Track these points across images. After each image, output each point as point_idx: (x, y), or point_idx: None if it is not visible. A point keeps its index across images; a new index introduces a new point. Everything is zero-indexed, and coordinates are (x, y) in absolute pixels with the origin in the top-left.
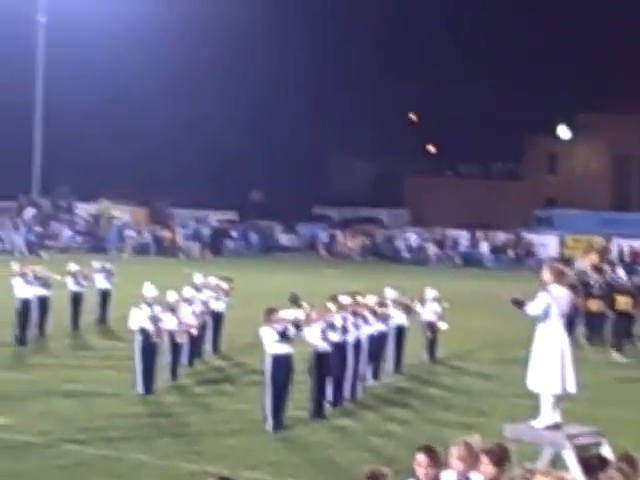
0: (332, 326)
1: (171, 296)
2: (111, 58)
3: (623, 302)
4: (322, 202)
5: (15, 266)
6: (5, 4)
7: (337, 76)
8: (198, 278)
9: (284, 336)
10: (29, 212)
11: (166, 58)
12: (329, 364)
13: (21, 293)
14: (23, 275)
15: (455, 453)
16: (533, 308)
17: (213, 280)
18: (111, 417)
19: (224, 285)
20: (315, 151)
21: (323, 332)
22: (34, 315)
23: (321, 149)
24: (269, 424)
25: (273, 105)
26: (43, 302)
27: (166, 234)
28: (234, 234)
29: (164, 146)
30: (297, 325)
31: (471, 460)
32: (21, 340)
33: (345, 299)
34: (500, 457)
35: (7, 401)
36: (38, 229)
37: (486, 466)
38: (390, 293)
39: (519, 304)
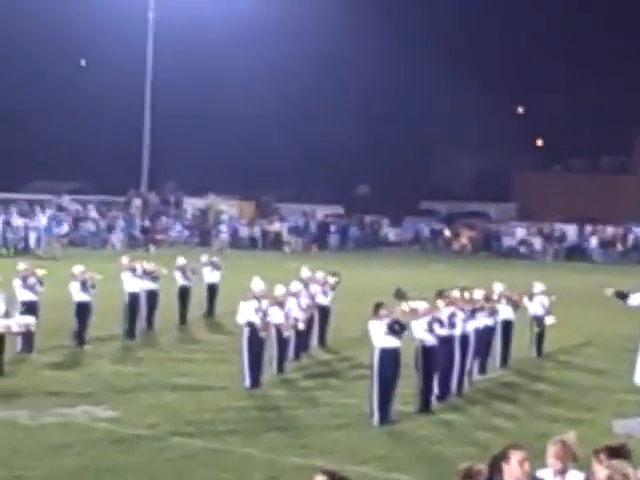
0: (439, 320)
1: (278, 290)
2: (219, 53)
3: None
4: (428, 196)
5: (124, 260)
6: (115, 1)
7: (444, 71)
8: (305, 272)
9: (393, 330)
10: (135, 204)
11: (272, 53)
12: (436, 358)
13: (130, 287)
14: (132, 269)
15: (551, 451)
16: (636, 299)
17: (320, 274)
18: (218, 410)
19: (331, 279)
20: (421, 145)
21: (430, 326)
22: (143, 309)
23: (427, 143)
24: (376, 418)
25: (380, 100)
26: (152, 296)
27: (272, 228)
28: (334, 228)
29: (271, 140)
30: (404, 319)
31: (567, 458)
32: (130, 334)
33: (452, 293)
34: (618, 456)
35: (116, 394)
36: (146, 223)
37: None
38: (498, 287)
39: (622, 296)
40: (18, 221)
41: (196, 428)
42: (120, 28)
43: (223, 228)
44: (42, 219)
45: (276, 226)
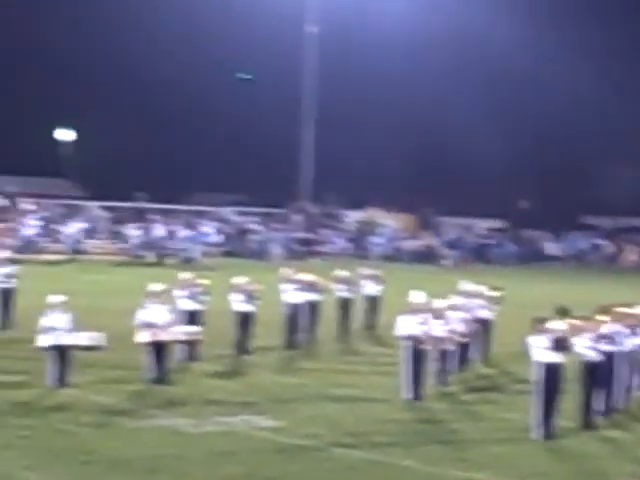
0: (602, 336)
1: (440, 303)
2: (378, 64)
3: None
4: (589, 211)
5: (285, 272)
6: (274, 15)
7: (605, 83)
8: (466, 285)
9: (558, 347)
10: (295, 218)
11: (431, 64)
12: (599, 374)
13: (291, 298)
14: (292, 281)
15: None
16: None
17: (481, 288)
18: (379, 422)
19: (492, 293)
20: (581, 158)
21: (593, 342)
22: (304, 320)
23: (588, 156)
24: (538, 433)
25: (541, 112)
26: (313, 307)
27: (430, 241)
28: (491, 242)
29: (433, 154)
30: (568, 336)
31: None
32: (291, 344)
33: (616, 309)
34: None
35: (277, 404)
36: (307, 235)
37: None
38: None
39: None
40: (182, 232)
41: (357, 439)
42: (279, 41)
43: (379, 240)
44: (205, 229)
45: (432, 240)
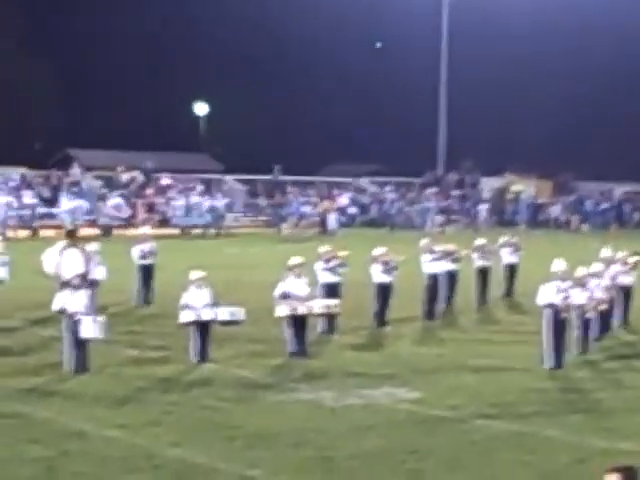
0: None
1: (580, 271)
2: (516, 28)
3: None
4: None
5: (424, 242)
6: None
7: None
8: (606, 252)
9: None
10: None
11: (568, 29)
12: None
13: (429, 268)
14: (431, 251)
15: None
16: None
17: (621, 254)
18: (520, 392)
19: (632, 258)
20: None
21: None
22: (442, 290)
23: None
24: None
25: None
26: (452, 277)
27: (568, 207)
28: (633, 207)
29: (569, 118)
30: None
31: None
32: (430, 315)
33: None
34: None
35: (418, 375)
36: (444, 204)
37: None
38: None
39: None
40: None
41: (498, 410)
42: (415, 8)
43: (517, 207)
44: (342, 200)
45: (570, 206)
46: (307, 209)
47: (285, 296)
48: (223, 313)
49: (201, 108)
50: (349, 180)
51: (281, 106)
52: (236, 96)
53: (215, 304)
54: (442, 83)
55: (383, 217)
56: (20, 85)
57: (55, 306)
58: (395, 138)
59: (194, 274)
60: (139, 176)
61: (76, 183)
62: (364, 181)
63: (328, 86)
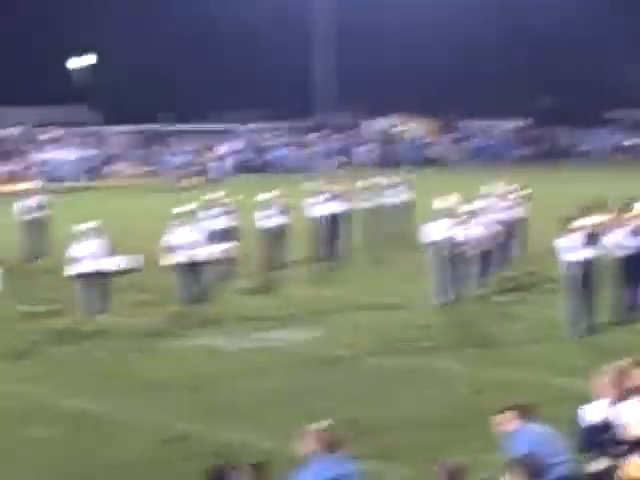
0: (635, 231)
1: (470, 207)
2: None
3: None
4: (613, 105)
5: (311, 185)
6: None
7: None
8: (488, 189)
9: (587, 242)
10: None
11: None
12: (631, 269)
13: (319, 210)
14: (322, 193)
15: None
16: None
17: (509, 188)
18: (415, 328)
19: (521, 192)
20: (605, 53)
21: (625, 238)
22: (333, 231)
23: (612, 51)
24: (573, 330)
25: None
26: (343, 218)
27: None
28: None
29: (450, 56)
30: (597, 232)
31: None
32: (322, 256)
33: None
34: None
35: (312, 316)
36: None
37: None
38: None
39: None
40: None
41: (393, 346)
42: None
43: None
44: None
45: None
46: (187, 158)
47: (175, 245)
48: (120, 262)
49: (83, 59)
50: (234, 127)
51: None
52: (122, 44)
53: (108, 254)
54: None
55: (267, 163)
56: None
57: None
58: (278, 81)
59: (84, 225)
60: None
61: None
62: (249, 127)
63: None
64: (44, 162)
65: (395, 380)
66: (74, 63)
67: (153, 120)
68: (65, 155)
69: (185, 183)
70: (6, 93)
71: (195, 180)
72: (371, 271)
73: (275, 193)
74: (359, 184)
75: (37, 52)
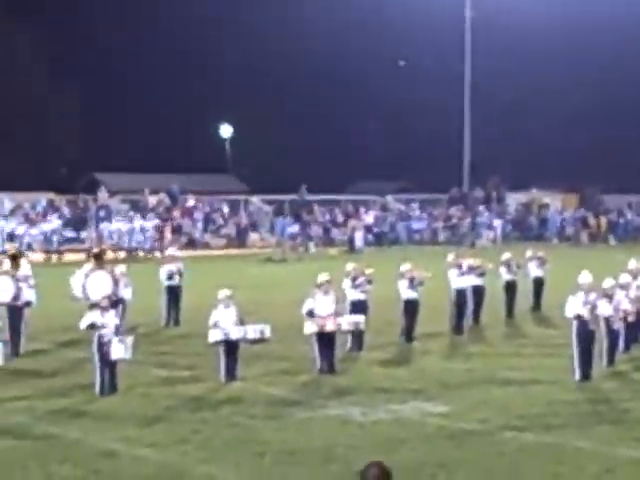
0: None
1: (607, 282)
2: (538, 48)
3: None
4: None
5: (450, 257)
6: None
7: None
8: (633, 264)
9: None
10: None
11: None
12: None
13: (456, 283)
14: (458, 266)
15: None
16: None
17: None
18: (549, 404)
19: None
20: None
21: None
22: (469, 304)
23: None
24: None
25: None
26: (478, 291)
27: (595, 221)
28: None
29: (591, 131)
30: None
31: None
32: (457, 329)
33: None
34: None
35: (446, 389)
36: (468, 220)
37: None
38: None
39: None
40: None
41: (527, 422)
42: (437, 27)
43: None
44: (367, 219)
45: (600, 219)
46: (327, 228)
47: (312, 313)
48: (252, 331)
49: (226, 130)
50: (374, 198)
51: (305, 125)
52: (260, 117)
53: (242, 322)
54: (466, 99)
55: (409, 234)
56: (47, 109)
57: (83, 325)
58: (420, 155)
59: (222, 293)
60: (165, 198)
61: (103, 207)
62: (389, 199)
63: (353, 104)
64: (184, 228)
65: (526, 455)
66: (220, 132)
67: (294, 190)
68: (202, 222)
69: (330, 252)
70: (152, 160)
71: (335, 250)
72: (506, 345)
73: (410, 265)
74: (500, 257)
75: (182, 121)
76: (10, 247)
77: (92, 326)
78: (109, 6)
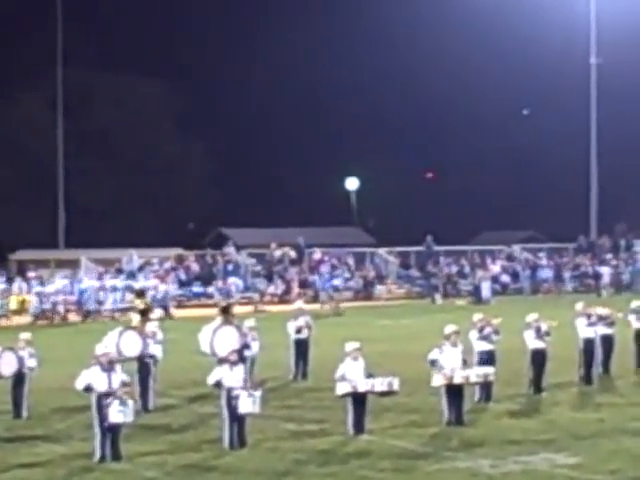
0: None
1: None
2: None
3: None
4: None
5: (578, 306)
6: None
7: None
8: None
9: None
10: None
11: None
12: None
13: (584, 333)
14: (586, 315)
15: None
16: None
17: None
18: None
19: None
20: None
21: None
22: (598, 354)
23: None
24: None
25: None
26: (607, 340)
27: None
28: None
29: None
30: None
31: None
32: (587, 379)
33: None
34: None
35: (576, 440)
36: (597, 268)
37: None
38: None
39: None
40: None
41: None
42: (562, 74)
43: None
44: (494, 268)
45: None
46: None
47: (434, 363)
48: (380, 384)
49: (352, 183)
50: (501, 248)
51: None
52: (385, 169)
53: (370, 375)
54: (592, 146)
55: (536, 284)
56: (174, 167)
57: (211, 380)
58: (546, 204)
59: (349, 345)
60: (291, 252)
61: (231, 261)
62: (516, 248)
63: (477, 154)
64: (310, 282)
65: None
66: (346, 185)
67: (419, 242)
68: (327, 276)
69: (457, 303)
70: (278, 214)
71: (463, 300)
72: (636, 395)
73: (536, 315)
74: (628, 306)
75: (308, 175)
76: (140, 302)
77: (218, 385)
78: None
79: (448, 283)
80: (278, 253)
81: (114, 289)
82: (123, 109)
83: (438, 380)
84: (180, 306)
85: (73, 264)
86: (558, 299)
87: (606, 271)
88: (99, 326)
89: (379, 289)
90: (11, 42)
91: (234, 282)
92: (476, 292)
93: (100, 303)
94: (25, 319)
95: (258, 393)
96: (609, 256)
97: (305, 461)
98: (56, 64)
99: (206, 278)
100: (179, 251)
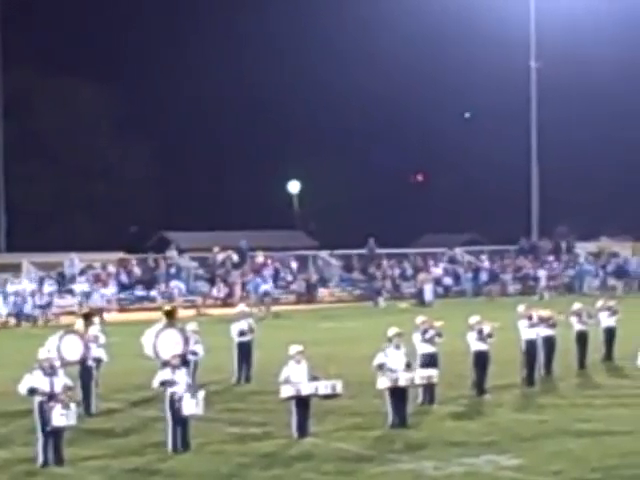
0: None
1: None
2: (604, 96)
3: None
4: None
5: (520, 308)
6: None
7: None
8: None
9: None
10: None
11: None
12: None
13: (526, 334)
14: (528, 317)
15: None
16: None
17: None
18: (624, 455)
19: None
20: None
21: None
22: (540, 356)
23: None
24: None
25: None
26: (549, 342)
27: None
28: None
29: None
30: None
31: None
32: (529, 381)
33: None
34: None
35: (520, 442)
36: (537, 271)
37: None
38: None
39: None
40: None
41: (602, 474)
42: (502, 78)
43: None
44: (436, 271)
45: None
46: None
47: (382, 367)
48: (323, 387)
49: (294, 186)
50: (443, 250)
51: (369, 179)
52: (326, 172)
53: (314, 378)
54: (533, 148)
55: (478, 286)
56: (115, 170)
57: (155, 383)
58: (487, 206)
59: (293, 348)
60: (233, 255)
61: (173, 265)
62: (458, 251)
63: (420, 157)
64: (252, 285)
65: None
66: (289, 188)
67: (361, 245)
68: (268, 279)
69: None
70: (220, 218)
71: (406, 303)
72: (578, 396)
73: (479, 317)
74: (570, 308)
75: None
76: (83, 307)
77: (164, 384)
78: (176, 67)
79: (391, 286)
80: (221, 256)
81: (51, 294)
82: (63, 112)
83: (383, 382)
84: (122, 310)
85: (15, 268)
86: (500, 301)
87: (543, 274)
88: (39, 330)
89: (322, 292)
90: None
91: (176, 285)
92: (419, 295)
93: (41, 307)
94: None
95: (201, 394)
96: (550, 258)
97: (249, 464)
98: None
99: (148, 281)
100: (121, 255)
